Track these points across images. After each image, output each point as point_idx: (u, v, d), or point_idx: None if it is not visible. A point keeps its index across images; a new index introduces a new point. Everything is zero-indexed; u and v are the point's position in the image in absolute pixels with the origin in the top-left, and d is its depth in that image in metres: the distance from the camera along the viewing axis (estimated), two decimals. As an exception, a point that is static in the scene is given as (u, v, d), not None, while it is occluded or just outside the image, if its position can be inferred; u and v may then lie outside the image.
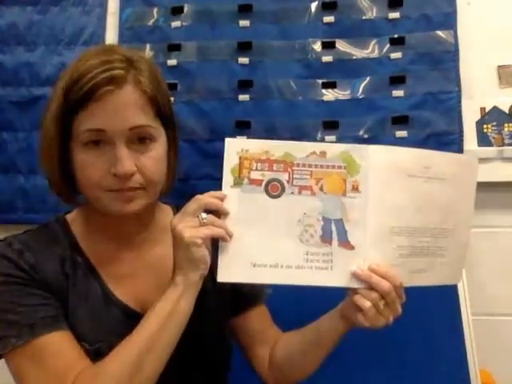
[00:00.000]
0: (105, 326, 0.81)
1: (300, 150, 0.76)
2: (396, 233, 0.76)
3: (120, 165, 0.75)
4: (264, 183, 0.76)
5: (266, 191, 0.76)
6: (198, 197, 0.75)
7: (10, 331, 0.75)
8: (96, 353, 0.78)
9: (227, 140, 0.76)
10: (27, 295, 0.77)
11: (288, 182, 0.76)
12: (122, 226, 0.86)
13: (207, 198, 0.74)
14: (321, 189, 0.76)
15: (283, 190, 0.76)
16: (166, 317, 0.74)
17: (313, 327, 0.88)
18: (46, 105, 0.80)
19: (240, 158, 0.75)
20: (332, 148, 0.76)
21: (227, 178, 0.75)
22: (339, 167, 0.76)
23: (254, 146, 0.76)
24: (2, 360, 0.78)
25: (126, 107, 0.76)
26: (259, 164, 0.76)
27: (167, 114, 0.82)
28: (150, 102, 0.79)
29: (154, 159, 0.79)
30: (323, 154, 0.76)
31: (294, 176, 0.76)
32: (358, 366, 1.19)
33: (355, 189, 0.76)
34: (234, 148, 0.76)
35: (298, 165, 0.76)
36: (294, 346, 0.91)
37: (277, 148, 0.76)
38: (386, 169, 0.76)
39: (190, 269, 0.74)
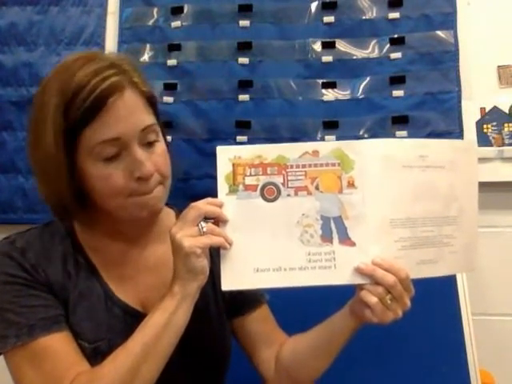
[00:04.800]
0: (105, 325, 0.81)
1: (292, 151, 0.75)
2: (396, 225, 0.75)
3: (144, 167, 0.77)
4: (259, 188, 0.75)
5: (262, 196, 0.75)
6: (197, 205, 0.74)
7: (9, 331, 0.76)
8: (95, 351, 0.78)
9: (218, 148, 0.76)
10: (28, 296, 0.77)
11: (283, 184, 0.75)
12: (129, 229, 0.86)
13: (206, 206, 0.74)
14: (317, 188, 0.75)
15: (279, 192, 0.75)
16: (163, 327, 0.74)
17: (323, 326, 0.86)
18: (31, 127, 0.78)
19: (233, 164, 0.75)
20: (324, 146, 0.76)
21: (222, 186, 0.75)
22: (333, 164, 0.75)
23: (246, 151, 0.76)
24: (2, 361, 0.79)
25: (133, 111, 0.77)
26: (253, 169, 0.75)
27: (157, 108, 0.84)
28: (149, 101, 0.81)
29: (163, 155, 0.81)
30: (316, 152, 0.75)
31: (289, 178, 0.75)
32: (357, 366, 1.19)
33: (351, 185, 0.75)
34: (226, 155, 0.75)
35: (291, 166, 0.75)
36: (302, 346, 0.89)
37: (269, 151, 0.75)
38: (381, 162, 0.75)
39: (189, 279, 0.74)
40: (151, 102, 0.82)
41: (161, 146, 0.81)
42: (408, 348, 1.22)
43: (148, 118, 0.79)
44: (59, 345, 0.76)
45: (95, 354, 0.78)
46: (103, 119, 0.74)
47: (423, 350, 1.22)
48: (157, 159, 0.80)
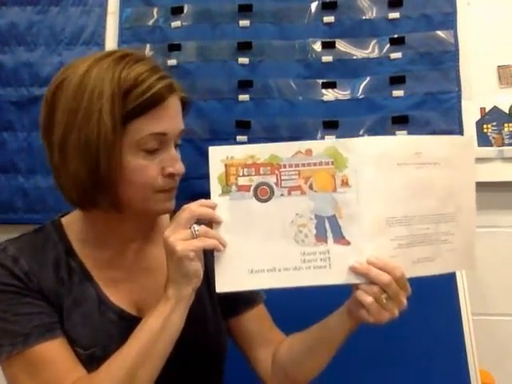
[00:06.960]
0: (100, 331, 0.81)
1: (285, 150, 0.75)
2: (392, 223, 0.74)
3: (178, 164, 0.81)
4: (252, 188, 0.75)
5: (256, 196, 0.75)
6: (190, 207, 0.74)
7: (3, 339, 0.76)
8: (90, 357, 0.78)
9: (211, 148, 0.75)
10: (21, 304, 0.77)
11: (276, 184, 0.75)
12: (129, 228, 0.86)
13: (199, 208, 0.74)
14: (310, 187, 0.75)
15: (272, 193, 0.75)
16: (158, 331, 0.74)
17: (320, 325, 0.86)
18: (72, 120, 0.75)
19: (226, 165, 0.74)
20: (317, 145, 0.75)
21: (214, 186, 0.75)
22: (326, 163, 0.75)
23: (239, 151, 0.75)
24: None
25: (178, 113, 0.82)
26: (246, 169, 0.75)
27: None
28: (182, 108, 0.85)
29: (180, 160, 0.83)
30: (309, 151, 0.75)
31: (282, 177, 0.75)
32: (356, 366, 1.19)
33: (345, 183, 0.75)
34: (219, 156, 0.75)
35: (284, 166, 0.75)
36: (299, 345, 0.89)
37: (262, 151, 0.75)
38: (375, 159, 0.74)
39: (183, 283, 0.74)
40: (184, 109, 0.85)
41: (178, 152, 0.84)
42: (408, 348, 1.22)
43: (182, 123, 0.84)
44: (55, 352, 0.76)
45: (90, 360, 0.78)
46: (157, 114, 0.78)
47: (423, 350, 1.21)
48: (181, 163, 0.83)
